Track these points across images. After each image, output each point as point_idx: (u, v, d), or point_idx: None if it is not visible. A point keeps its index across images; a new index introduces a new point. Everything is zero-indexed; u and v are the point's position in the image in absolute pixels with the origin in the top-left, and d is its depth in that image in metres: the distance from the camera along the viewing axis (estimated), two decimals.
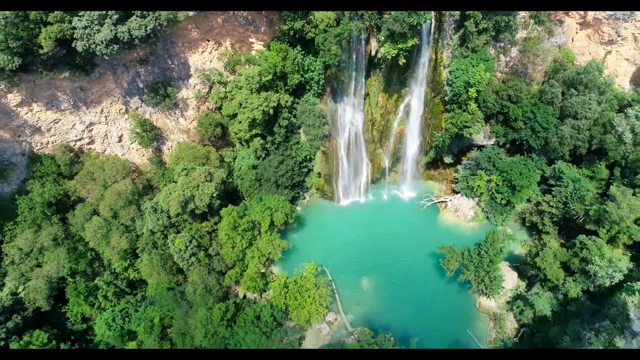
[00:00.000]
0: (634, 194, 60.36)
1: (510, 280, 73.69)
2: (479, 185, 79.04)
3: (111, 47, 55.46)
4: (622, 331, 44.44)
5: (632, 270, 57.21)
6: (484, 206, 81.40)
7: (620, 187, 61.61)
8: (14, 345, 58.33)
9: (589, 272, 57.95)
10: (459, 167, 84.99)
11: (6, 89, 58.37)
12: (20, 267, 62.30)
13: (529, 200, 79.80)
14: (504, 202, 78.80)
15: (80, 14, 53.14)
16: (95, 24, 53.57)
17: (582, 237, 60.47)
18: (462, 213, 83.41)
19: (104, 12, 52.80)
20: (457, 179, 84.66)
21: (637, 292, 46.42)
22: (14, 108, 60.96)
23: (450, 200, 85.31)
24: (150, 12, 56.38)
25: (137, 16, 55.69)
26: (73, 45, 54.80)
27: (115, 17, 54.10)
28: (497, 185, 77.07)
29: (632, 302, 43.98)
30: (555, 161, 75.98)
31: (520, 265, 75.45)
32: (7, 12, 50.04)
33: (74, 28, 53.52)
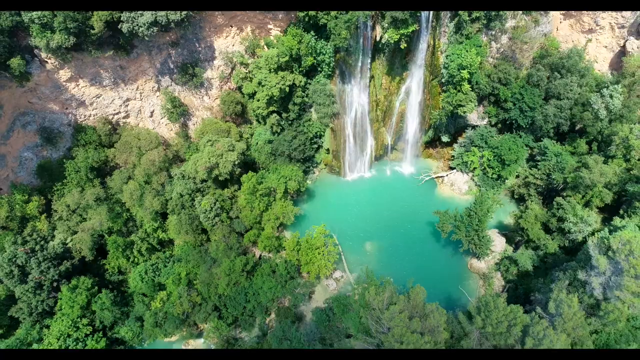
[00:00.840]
0: (605, 162, 68.72)
1: (499, 244, 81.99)
2: (472, 161, 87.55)
3: (151, 29, 64.36)
4: (584, 267, 52.74)
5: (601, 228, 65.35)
6: (477, 180, 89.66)
7: (594, 156, 69.95)
8: (64, 288, 67.30)
9: (565, 229, 66.28)
10: (455, 145, 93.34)
11: (59, 66, 67.42)
12: (68, 222, 71.26)
13: (518, 177, 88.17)
14: (495, 176, 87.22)
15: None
16: (138, 10, 62.41)
17: (559, 198, 68.94)
18: (457, 187, 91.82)
19: None
20: (453, 156, 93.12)
21: (596, 234, 54.55)
22: (64, 83, 70.00)
23: (447, 175, 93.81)
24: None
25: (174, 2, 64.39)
26: (119, 27, 63.72)
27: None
28: (489, 160, 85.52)
29: (592, 241, 52.23)
30: (542, 139, 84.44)
31: (509, 233, 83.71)
32: None
33: (122, 12, 62.43)
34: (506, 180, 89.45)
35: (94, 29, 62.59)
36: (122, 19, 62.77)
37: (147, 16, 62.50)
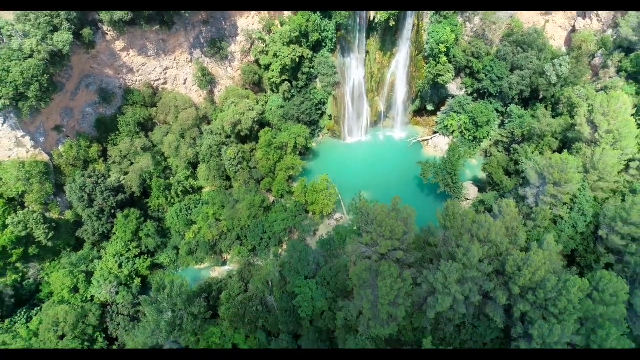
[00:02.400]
0: (553, 117, 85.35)
1: (473, 193, 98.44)
2: (451, 124, 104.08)
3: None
4: (523, 185, 69.10)
5: None
6: (457, 142, 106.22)
7: (542, 110, 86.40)
8: (119, 215, 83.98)
9: (519, 170, 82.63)
10: (438, 113, 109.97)
11: (116, 37, 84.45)
12: (120, 165, 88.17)
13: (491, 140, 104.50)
14: (471, 138, 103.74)
15: None
16: None
17: (515, 145, 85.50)
18: (439, 148, 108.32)
19: None
20: (437, 122, 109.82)
21: (532, 160, 70.75)
22: (119, 52, 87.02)
23: (431, 138, 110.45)
24: None
25: None
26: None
27: None
28: (465, 123, 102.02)
29: (528, 165, 68.69)
30: (509, 105, 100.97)
31: (481, 185, 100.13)
32: None
33: None
34: (481, 143, 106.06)
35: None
36: None
37: None
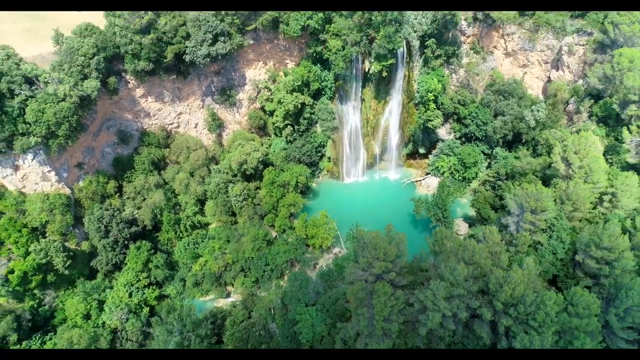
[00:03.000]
0: (533, 157, 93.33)
1: (464, 229, 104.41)
2: (442, 165, 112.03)
3: (206, 59, 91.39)
4: (506, 214, 75.54)
5: None
6: (447, 182, 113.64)
7: (523, 151, 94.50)
8: (131, 246, 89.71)
9: (504, 205, 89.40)
10: (430, 156, 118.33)
11: (137, 85, 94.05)
12: (134, 200, 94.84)
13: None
14: (460, 178, 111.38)
15: (190, 39, 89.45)
16: (198, 45, 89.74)
17: (499, 182, 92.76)
18: (432, 188, 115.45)
19: (205, 37, 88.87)
20: (428, 164, 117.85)
21: (512, 193, 77.46)
22: (138, 98, 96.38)
23: (424, 179, 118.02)
24: (228, 39, 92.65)
25: (221, 41, 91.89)
26: (183, 57, 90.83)
27: (209, 41, 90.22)
28: (454, 164, 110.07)
29: (509, 196, 75.44)
30: (494, 148, 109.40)
31: (471, 222, 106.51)
32: (150, 35, 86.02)
33: (186, 47, 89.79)
34: (471, 183, 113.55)
35: (166, 58, 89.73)
36: (186, 51, 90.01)
37: (204, 50, 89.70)
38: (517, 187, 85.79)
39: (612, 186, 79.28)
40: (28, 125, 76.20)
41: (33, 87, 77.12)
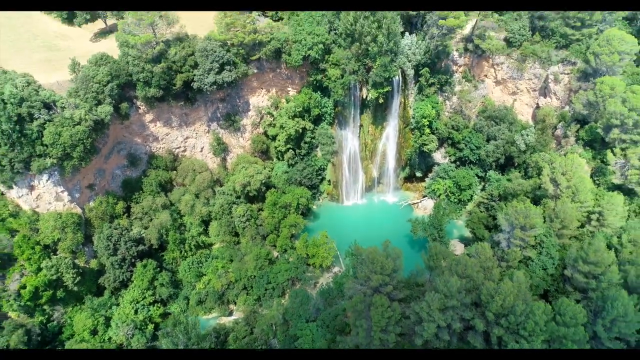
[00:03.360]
0: (524, 179, 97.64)
1: (459, 249, 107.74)
2: (438, 188, 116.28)
3: (212, 87, 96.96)
4: (498, 232, 79.16)
5: None
6: (443, 204, 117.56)
7: (514, 173, 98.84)
8: (138, 264, 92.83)
9: (497, 225, 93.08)
10: (426, 179, 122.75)
11: (147, 111, 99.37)
12: (141, 221, 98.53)
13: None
14: (456, 200, 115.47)
15: (198, 68, 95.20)
16: (206, 73, 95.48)
17: (492, 203, 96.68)
18: (428, 210, 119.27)
19: (212, 66, 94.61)
20: (425, 187, 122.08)
21: (504, 212, 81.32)
22: (147, 123, 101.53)
23: (421, 202, 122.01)
24: (234, 68, 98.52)
25: (227, 70, 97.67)
26: (191, 84, 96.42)
27: (216, 69, 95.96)
28: (450, 187, 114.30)
29: (500, 214, 79.28)
30: (488, 171, 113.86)
31: (467, 242, 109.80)
32: (161, 64, 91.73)
33: (194, 75, 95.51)
34: (466, 206, 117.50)
35: (175, 85, 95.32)
36: (194, 79, 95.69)
37: (211, 78, 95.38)
38: (509, 206, 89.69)
39: (599, 205, 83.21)
40: (45, 147, 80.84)
41: (51, 112, 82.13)
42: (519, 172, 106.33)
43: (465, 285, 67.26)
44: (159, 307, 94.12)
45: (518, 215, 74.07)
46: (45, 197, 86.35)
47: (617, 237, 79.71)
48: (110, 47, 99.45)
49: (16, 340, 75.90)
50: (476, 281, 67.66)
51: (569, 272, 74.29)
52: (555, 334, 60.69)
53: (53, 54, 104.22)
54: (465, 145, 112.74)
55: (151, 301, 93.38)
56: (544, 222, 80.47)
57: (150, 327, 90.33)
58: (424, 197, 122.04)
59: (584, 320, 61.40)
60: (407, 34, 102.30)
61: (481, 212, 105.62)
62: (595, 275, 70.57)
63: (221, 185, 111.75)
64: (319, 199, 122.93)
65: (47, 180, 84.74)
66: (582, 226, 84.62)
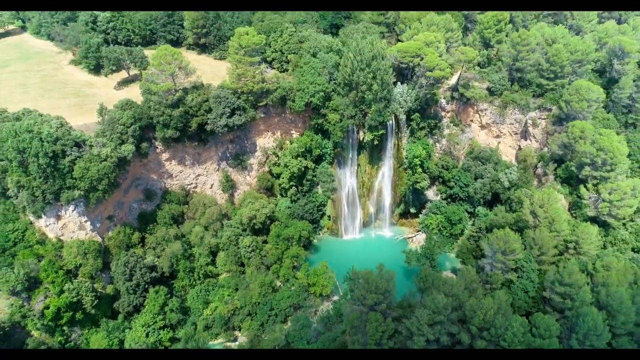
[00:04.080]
0: (507, 211, 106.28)
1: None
2: (431, 223, 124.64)
3: (224, 129, 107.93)
4: (483, 258, 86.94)
5: None
6: (435, 237, 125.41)
7: (499, 207, 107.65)
8: (150, 290, 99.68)
9: (482, 251, 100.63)
10: (420, 215, 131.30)
11: (163, 150, 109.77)
12: (155, 250, 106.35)
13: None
14: (447, 234, 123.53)
15: (212, 112, 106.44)
16: (218, 117, 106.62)
17: (480, 235, 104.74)
18: (422, 244, 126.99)
19: (224, 110, 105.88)
20: (419, 222, 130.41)
21: (487, 239, 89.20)
22: (164, 162, 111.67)
23: (415, 236, 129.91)
24: (243, 112, 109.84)
25: (237, 114, 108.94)
26: (205, 127, 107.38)
27: (227, 114, 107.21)
28: (442, 222, 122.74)
29: (484, 242, 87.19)
30: (477, 207, 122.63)
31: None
32: (179, 109, 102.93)
33: (208, 118, 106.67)
34: (458, 240, 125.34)
35: (191, 127, 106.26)
36: (208, 122, 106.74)
37: (223, 121, 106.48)
38: (491, 234, 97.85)
39: (575, 235, 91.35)
40: (74, 180, 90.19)
41: (80, 150, 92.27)
42: (505, 207, 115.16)
43: (452, 303, 74.31)
44: (169, 332, 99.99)
45: (499, 240, 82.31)
46: (69, 226, 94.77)
47: (592, 264, 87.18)
48: (132, 94, 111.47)
49: None
50: (461, 299, 74.74)
51: (547, 294, 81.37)
52: (532, 344, 67.20)
53: (81, 100, 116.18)
54: (455, 184, 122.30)
55: (161, 325, 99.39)
56: (525, 249, 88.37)
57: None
58: (418, 231, 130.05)
59: (557, 333, 68.14)
60: (399, 83, 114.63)
61: (470, 244, 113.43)
62: (570, 296, 77.65)
63: (229, 219, 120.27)
64: (319, 233, 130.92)
65: (72, 211, 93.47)
66: (561, 254, 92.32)
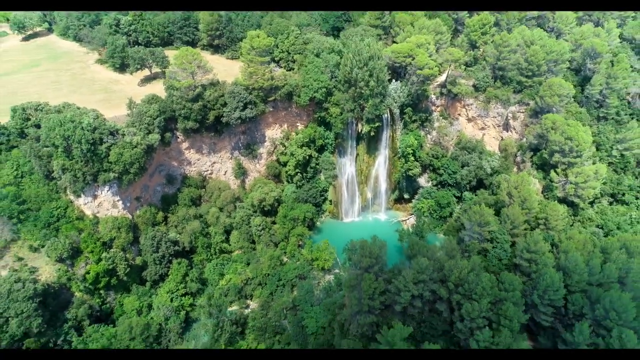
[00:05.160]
0: (489, 195, 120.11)
1: None
2: (422, 207, 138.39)
3: (237, 121, 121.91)
4: (462, 230, 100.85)
5: None
6: (428, 223, 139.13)
7: (481, 191, 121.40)
8: (174, 261, 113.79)
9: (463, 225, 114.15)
10: (413, 200, 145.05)
11: (184, 139, 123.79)
12: (176, 228, 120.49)
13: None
14: (437, 217, 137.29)
15: (227, 106, 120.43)
16: (232, 110, 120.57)
17: (461, 212, 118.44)
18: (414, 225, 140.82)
19: (237, 105, 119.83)
20: (412, 207, 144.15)
21: (467, 215, 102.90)
22: (183, 150, 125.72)
23: (408, 219, 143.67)
24: (254, 106, 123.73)
25: (249, 108, 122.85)
26: (221, 119, 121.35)
27: (241, 107, 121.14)
28: (432, 205, 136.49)
29: (462, 215, 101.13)
30: (463, 192, 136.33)
31: None
32: (198, 103, 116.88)
33: (224, 111, 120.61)
34: (447, 221, 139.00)
35: (208, 119, 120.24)
36: (223, 115, 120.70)
37: (237, 114, 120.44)
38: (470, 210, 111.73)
39: (545, 212, 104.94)
40: (110, 164, 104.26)
41: (114, 138, 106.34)
42: (488, 191, 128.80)
43: (434, 265, 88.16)
44: (189, 298, 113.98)
45: (475, 214, 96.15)
46: (104, 205, 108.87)
47: (558, 237, 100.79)
48: (154, 89, 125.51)
49: (82, 313, 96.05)
50: (442, 262, 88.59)
51: (517, 260, 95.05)
52: (498, 296, 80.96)
53: (108, 95, 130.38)
54: (444, 171, 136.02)
55: (183, 293, 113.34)
56: (500, 224, 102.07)
57: (182, 313, 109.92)
58: (411, 215, 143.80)
59: (520, 287, 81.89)
60: (393, 80, 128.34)
61: (456, 223, 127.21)
62: (535, 261, 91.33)
63: (241, 202, 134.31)
64: (321, 216, 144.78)
65: (107, 191, 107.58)
66: (533, 229, 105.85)
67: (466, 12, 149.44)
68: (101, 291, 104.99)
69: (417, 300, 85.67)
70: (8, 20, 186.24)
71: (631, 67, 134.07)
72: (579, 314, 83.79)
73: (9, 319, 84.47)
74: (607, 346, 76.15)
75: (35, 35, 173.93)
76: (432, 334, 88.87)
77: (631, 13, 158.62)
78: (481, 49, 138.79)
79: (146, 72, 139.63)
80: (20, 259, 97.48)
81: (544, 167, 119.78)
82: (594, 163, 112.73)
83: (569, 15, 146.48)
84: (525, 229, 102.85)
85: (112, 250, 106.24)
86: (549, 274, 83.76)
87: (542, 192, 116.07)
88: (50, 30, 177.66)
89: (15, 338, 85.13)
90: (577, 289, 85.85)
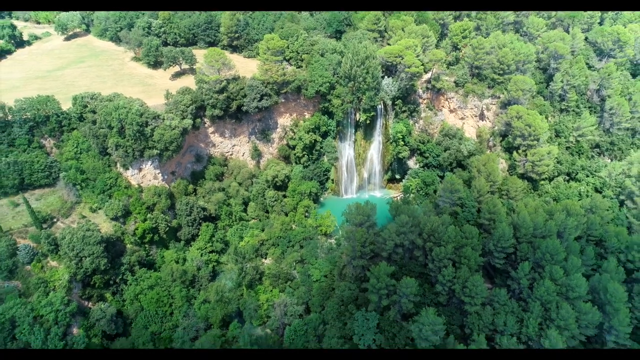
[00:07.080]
0: (465, 172, 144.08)
1: None
2: (410, 185, 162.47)
3: (255, 110, 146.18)
4: (438, 197, 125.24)
5: None
6: (415, 197, 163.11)
7: (460, 171, 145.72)
8: (203, 225, 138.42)
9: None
10: (403, 180, 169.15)
11: (210, 125, 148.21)
12: (204, 198, 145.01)
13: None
14: (423, 193, 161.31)
15: (246, 97, 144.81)
16: (251, 101, 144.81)
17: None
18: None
19: (255, 96, 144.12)
20: (402, 186, 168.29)
21: (441, 185, 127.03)
22: (209, 134, 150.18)
23: (399, 196, 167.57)
24: (269, 98, 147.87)
25: (265, 99, 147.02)
26: (241, 108, 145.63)
27: (258, 98, 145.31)
28: (419, 184, 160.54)
29: (440, 186, 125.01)
30: (445, 172, 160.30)
31: None
32: (223, 94, 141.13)
33: (244, 101, 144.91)
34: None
35: (231, 108, 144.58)
36: (244, 104, 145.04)
37: (255, 103, 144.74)
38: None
39: (507, 185, 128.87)
40: (153, 143, 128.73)
41: (157, 121, 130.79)
42: (465, 171, 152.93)
43: (412, 221, 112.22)
44: (215, 255, 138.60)
45: (447, 183, 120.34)
46: (147, 177, 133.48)
47: (516, 204, 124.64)
48: (184, 83, 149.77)
49: (134, 259, 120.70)
50: (419, 219, 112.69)
51: (481, 220, 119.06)
52: (460, 242, 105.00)
53: (146, 88, 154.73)
54: (429, 154, 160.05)
55: (210, 250, 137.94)
56: (469, 193, 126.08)
57: (210, 266, 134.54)
58: (402, 192, 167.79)
59: (477, 236, 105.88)
60: (386, 77, 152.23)
61: (437, 196, 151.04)
62: (493, 219, 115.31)
63: (257, 178, 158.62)
64: (324, 193, 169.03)
65: (150, 165, 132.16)
66: (499, 197, 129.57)
67: (452, 18, 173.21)
68: (146, 245, 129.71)
69: (399, 248, 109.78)
70: (49, 22, 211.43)
71: (590, 66, 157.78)
72: (525, 258, 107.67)
73: (83, 258, 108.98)
74: (541, 279, 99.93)
75: (75, 35, 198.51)
76: (410, 275, 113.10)
77: (597, 19, 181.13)
78: (462, 51, 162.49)
79: (176, 69, 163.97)
80: (83, 217, 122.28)
81: (510, 149, 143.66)
82: (548, 146, 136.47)
83: (540, 21, 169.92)
84: (490, 198, 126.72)
85: (154, 212, 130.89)
86: (501, 227, 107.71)
87: (508, 170, 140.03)
88: (87, 31, 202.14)
89: (88, 273, 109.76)
90: (525, 240, 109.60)
